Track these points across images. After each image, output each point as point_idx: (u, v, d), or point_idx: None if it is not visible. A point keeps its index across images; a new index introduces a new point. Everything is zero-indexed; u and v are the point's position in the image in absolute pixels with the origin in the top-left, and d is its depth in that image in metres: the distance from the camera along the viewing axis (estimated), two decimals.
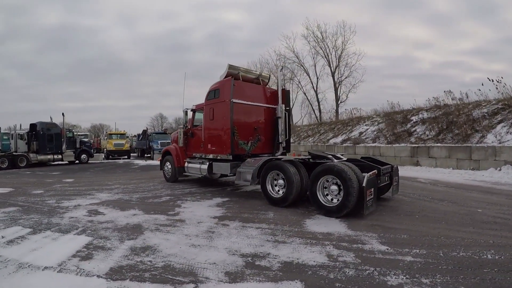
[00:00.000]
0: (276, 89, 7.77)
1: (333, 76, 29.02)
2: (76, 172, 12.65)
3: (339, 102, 28.58)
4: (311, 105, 32.51)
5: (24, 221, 4.38)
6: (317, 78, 30.84)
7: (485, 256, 2.78)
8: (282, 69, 7.72)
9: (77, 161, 18.17)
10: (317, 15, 44.23)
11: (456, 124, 10.63)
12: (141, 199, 6.25)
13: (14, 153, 14.62)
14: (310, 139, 20.01)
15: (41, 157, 15.33)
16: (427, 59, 54.17)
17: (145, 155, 24.58)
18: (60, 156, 16.55)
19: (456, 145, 9.79)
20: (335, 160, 5.62)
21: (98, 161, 20.37)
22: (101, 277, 2.53)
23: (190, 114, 8.48)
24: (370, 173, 4.42)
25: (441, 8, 44.52)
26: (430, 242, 3.21)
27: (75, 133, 19.84)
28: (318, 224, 4.07)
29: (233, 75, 7.10)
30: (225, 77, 6.98)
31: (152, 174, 11.10)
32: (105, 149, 26.13)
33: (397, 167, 5.78)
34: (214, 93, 7.19)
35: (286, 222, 4.21)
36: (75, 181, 9.56)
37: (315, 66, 30.51)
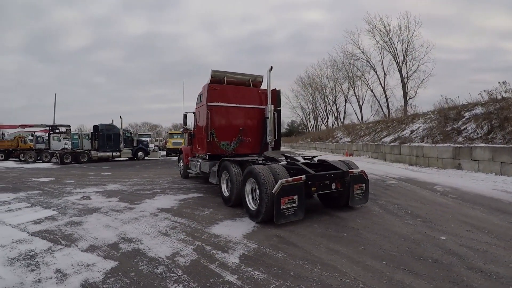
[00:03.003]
0: (273, 90, 8.56)
1: (400, 72, 30.80)
2: (122, 167, 16.53)
3: (407, 99, 29.88)
4: (378, 102, 35.21)
5: (33, 200, 7.08)
6: (385, 74, 32.95)
7: None
8: (271, 69, 8.52)
9: (135, 158, 22.83)
10: (398, 10, 44.59)
11: (510, 121, 8.88)
12: (133, 191, 8.40)
13: (76, 150, 20.25)
14: (366, 138, 21.13)
15: (101, 154, 20.61)
16: None
17: None
18: (118, 154, 21.41)
19: (500, 146, 8.25)
20: (282, 163, 6.26)
21: (155, 158, 24.89)
22: (29, 233, 4.45)
23: (192, 117, 10.23)
24: (289, 179, 4.70)
25: None
26: (288, 269, 3.19)
27: (132, 133, 24.94)
28: (228, 226, 4.86)
29: (219, 79, 8.39)
30: (210, 82, 8.34)
31: (176, 171, 13.50)
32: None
33: (363, 172, 5.70)
34: (200, 98, 8.73)
35: (204, 220, 5.23)
36: (110, 174, 12.90)
37: (382, 61, 32.60)
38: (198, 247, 3.93)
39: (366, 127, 24.14)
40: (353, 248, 3.77)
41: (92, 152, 20.46)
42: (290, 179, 4.69)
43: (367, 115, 38.21)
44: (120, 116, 22.28)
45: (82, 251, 3.80)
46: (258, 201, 5.09)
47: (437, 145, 11.85)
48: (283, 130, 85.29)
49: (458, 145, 10.64)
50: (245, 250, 3.76)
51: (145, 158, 23.75)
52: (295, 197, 4.66)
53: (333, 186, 5.34)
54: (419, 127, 15.24)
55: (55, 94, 35.67)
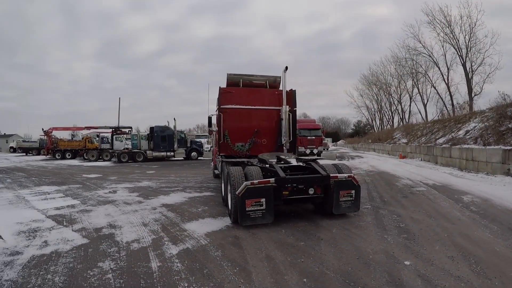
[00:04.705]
0: (289, 91, 9.09)
1: (463, 66, 30.73)
2: (169, 166, 18.96)
3: (473, 95, 29.77)
4: (442, 100, 35.85)
5: (69, 192, 9.21)
6: (448, 68, 33.25)
7: None
8: (286, 70, 8.92)
9: (189, 158, 25.47)
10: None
11: None
12: (158, 188, 10.01)
13: (133, 150, 23.97)
14: (423, 138, 21.58)
15: (156, 154, 23.94)
16: None
17: None
18: (172, 153, 24.29)
19: None
20: (267, 165, 6.76)
21: (208, 158, 27.19)
22: (46, 215, 6.13)
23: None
24: (254, 181, 5.12)
25: None
26: (207, 267, 3.66)
27: (187, 134, 27.84)
28: (203, 223, 5.62)
29: (236, 81, 9.31)
30: (226, 85, 9.30)
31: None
32: None
33: (352, 178, 5.70)
34: (217, 101, 9.77)
35: (189, 216, 6.14)
36: (153, 173, 15.16)
37: (444, 55, 32.96)
38: (159, 237, 4.84)
39: (424, 127, 24.81)
40: (292, 259, 3.92)
41: (148, 152, 24.00)
42: (256, 181, 5.12)
43: (433, 114, 38.54)
44: (174, 118, 25.32)
45: (72, 231, 5.16)
46: None
47: (487, 147, 11.25)
48: (349, 130, 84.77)
49: (509, 148, 9.95)
50: (192, 245, 4.46)
51: (198, 158, 26.20)
52: (263, 200, 5.06)
53: (311, 191, 5.51)
54: (475, 126, 14.89)
55: (119, 98, 42.48)
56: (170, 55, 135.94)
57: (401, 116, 47.83)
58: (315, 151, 21.38)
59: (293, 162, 6.90)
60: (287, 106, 8.62)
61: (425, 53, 34.64)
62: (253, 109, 9.01)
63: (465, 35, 29.85)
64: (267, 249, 4.31)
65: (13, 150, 44.99)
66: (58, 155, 28.12)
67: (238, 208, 5.08)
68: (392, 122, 51.17)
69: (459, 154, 13.61)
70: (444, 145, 15.78)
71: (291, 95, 9.00)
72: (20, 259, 3.88)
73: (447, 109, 33.56)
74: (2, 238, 4.58)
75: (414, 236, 4.78)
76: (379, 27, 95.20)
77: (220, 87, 9.01)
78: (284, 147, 8.93)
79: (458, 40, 30.50)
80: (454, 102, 32.74)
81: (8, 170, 17.33)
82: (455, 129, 17.58)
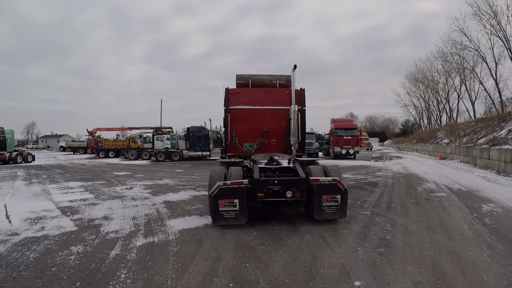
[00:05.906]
0: (298, 90, 9.38)
1: None
2: (200, 166, 20.31)
3: None
4: (489, 96, 35.82)
5: (91, 187, 10.55)
6: (496, 63, 32.89)
7: None
8: (295, 68, 9.05)
9: None
10: None
11: None
12: (174, 185, 10.97)
13: (169, 150, 26.08)
14: (465, 138, 21.66)
15: (191, 153, 25.92)
16: None
17: None
18: (208, 153, 25.76)
19: None
20: (257, 165, 7.10)
21: None
22: (57, 207, 7.27)
23: None
24: (227, 182, 5.45)
25: None
26: (154, 260, 4.07)
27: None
28: (187, 220, 6.15)
29: (246, 82, 9.83)
30: (236, 86, 9.85)
31: None
32: None
33: (337, 181, 5.59)
34: (224, 102, 10.36)
35: (180, 213, 6.77)
36: (181, 171, 16.45)
37: (492, 49, 32.62)
38: (136, 230, 5.50)
39: (468, 126, 25.26)
40: (238, 263, 4.05)
41: (184, 151, 25.97)
42: (229, 182, 5.48)
43: (480, 113, 38.01)
44: (210, 119, 26.70)
45: (70, 220, 6.11)
46: None
47: None
48: (397, 130, 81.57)
49: None
50: (159, 239, 4.97)
51: None
52: (236, 201, 5.38)
53: (289, 194, 5.63)
54: None
55: (161, 99, 45.74)
56: (218, 56, 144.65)
57: (449, 115, 48.27)
58: (351, 151, 20.85)
59: (285, 163, 7.14)
60: (296, 106, 8.84)
61: (471, 48, 34.74)
62: (261, 109, 9.38)
63: None
64: (224, 250, 4.53)
65: (63, 149, 50.68)
66: (102, 154, 31.52)
67: (212, 207, 5.48)
68: (440, 121, 51.45)
69: (498, 155, 13.16)
70: (483, 146, 15.25)
71: (301, 94, 9.20)
72: (14, 239, 4.85)
73: (495, 107, 33.66)
74: (10, 222, 5.70)
75: (392, 252, 4.41)
76: (429, 22, 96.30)
77: (226, 87, 9.54)
78: (292, 148, 9.16)
79: (506, 32, 29.84)
80: (503, 99, 32.74)
81: (49, 167, 19.98)
82: (497, 128, 17.02)
